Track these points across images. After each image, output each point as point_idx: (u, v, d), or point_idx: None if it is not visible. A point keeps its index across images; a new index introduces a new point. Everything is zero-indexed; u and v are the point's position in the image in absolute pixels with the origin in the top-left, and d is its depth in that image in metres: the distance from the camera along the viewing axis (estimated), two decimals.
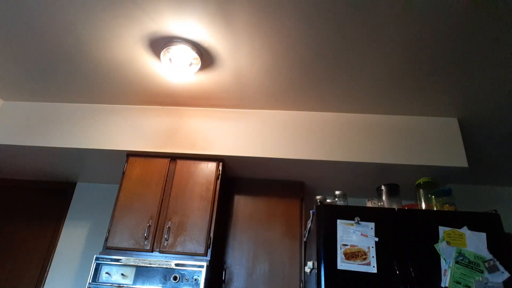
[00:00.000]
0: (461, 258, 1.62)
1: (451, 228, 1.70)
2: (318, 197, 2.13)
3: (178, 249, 2.09)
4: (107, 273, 1.97)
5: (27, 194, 2.99)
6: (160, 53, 1.95)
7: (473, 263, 1.60)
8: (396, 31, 1.71)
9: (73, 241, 2.75)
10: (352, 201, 2.78)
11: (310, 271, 1.79)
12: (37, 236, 2.79)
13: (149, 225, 2.16)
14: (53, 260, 2.68)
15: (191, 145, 2.38)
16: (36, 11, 1.75)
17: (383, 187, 2.08)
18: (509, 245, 1.64)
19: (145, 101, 2.49)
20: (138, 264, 1.98)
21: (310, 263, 1.80)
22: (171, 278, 1.94)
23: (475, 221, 1.71)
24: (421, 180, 2.12)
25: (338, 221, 1.74)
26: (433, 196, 2.02)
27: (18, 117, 2.53)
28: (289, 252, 2.36)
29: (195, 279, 1.93)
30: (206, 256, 2.07)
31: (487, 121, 2.33)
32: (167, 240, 2.11)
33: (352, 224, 1.73)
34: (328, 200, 2.12)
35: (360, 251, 1.66)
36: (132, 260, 1.99)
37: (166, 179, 2.33)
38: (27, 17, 1.80)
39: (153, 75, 2.20)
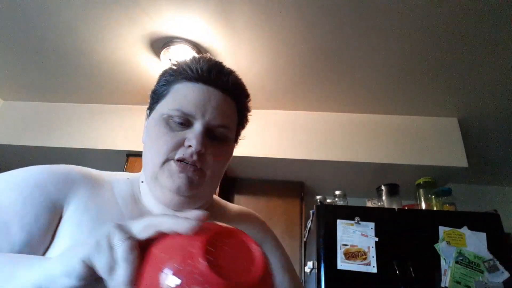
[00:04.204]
0: (461, 258, 1.62)
1: (451, 228, 1.69)
2: (318, 197, 2.13)
3: None
4: None
5: None
6: (160, 52, 1.95)
7: (473, 263, 1.60)
8: (396, 31, 1.71)
9: None
10: (352, 201, 2.76)
11: (310, 271, 1.79)
12: None
13: None
14: None
15: None
16: (36, 11, 1.75)
17: (383, 187, 2.08)
18: (509, 245, 1.64)
19: (145, 101, 2.48)
20: None
21: (310, 263, 1.80)
22: None
23: (475, 221, 1.70)
24: (421, 180, 2.12)
25: (338, 221, 1.74)
26: (433, 196, 2.02)
27: (18, 117, 2.53)
28: (289, 252, 2.32)
29: None
30: None
31: (487, 121, 2.33)
32: None
33: (352, 224, 1.73)
34: (328, 200, 2.12)
35: (360, 251, 1.66)
36: None
37: None
38: (27, 17, 1.80)
39: (153, 75, 2.19)
